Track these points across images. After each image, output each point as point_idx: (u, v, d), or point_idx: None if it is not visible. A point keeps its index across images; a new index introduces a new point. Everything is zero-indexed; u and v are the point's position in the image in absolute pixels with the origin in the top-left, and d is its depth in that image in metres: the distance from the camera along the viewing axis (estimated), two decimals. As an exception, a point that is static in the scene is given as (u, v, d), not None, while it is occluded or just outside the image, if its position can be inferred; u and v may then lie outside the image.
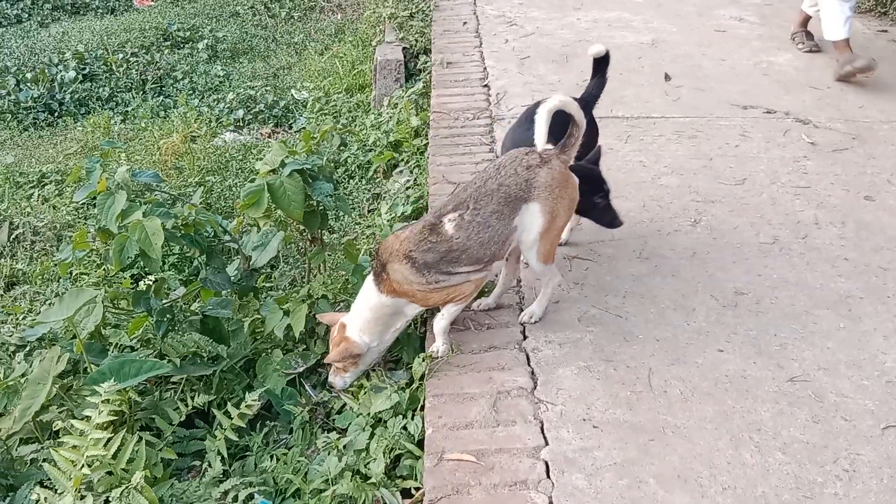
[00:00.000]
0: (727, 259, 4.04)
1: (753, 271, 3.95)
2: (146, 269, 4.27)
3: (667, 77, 6.27)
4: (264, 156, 3.76)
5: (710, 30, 7.42)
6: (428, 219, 3.30)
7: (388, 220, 4.80)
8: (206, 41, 9.78)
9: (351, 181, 5.87)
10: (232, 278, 3.67)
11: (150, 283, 3.84)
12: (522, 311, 3.63)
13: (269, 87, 8.51)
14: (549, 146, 3.38)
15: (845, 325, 3.58)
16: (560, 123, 3.33)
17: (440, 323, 3.37)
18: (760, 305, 3.70)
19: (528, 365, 3.34)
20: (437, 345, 3.40)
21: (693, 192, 4.68)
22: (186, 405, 3.30)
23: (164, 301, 3.54)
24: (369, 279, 3.32)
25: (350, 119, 7.12)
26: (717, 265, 4.00)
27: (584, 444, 2.94)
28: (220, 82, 8.88)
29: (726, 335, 3.51)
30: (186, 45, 9.78)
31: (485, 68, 6.48)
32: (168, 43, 9.81)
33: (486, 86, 6.16)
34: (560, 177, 3.31)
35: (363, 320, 3.33)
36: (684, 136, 5.36)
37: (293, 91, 8.35)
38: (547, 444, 2.94)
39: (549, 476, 2.81)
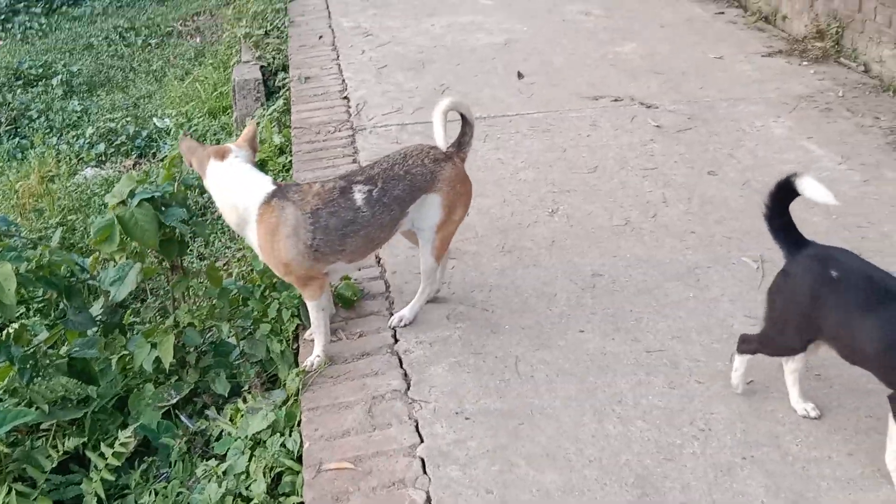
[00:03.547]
0: (584, 244, 4.23)
1: (608, 253, 4.15)
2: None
3: (519, 75, 6.48)
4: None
5: (559, 26, 7.70)
6: (337, 182, 3.32)
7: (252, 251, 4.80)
8: (60, 76, 9.46)
9: (218, 205, 5.83)
10: (98, 316, 3.61)
11: (11, 330, 3.73)
12: (392, 316, 3.71)
13: (129, 118, 8.31)
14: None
15: (694, 295, 3.81)
16: None
17: (316, 331, 3.43)
18: (616, 284, 3.90)
19: (401, 367, 3.43)
20: (311, 357, 3.44)
21: (549, 183, 4.87)
22: (58, 451, 3.22)
23: (26, 348, 3.44)
24: (263, 188, 3.24)
25: (214, 142, 7.05)
26: (574, 251, 4.18)
27: (457, 437, 3.04)
28: (79, 117, 8.61)
29: (586, 316, 3.69)
30: (40, 83, 9.45)
31: (343, 80, 6.55)
32: (20, 82, 9.46)
33: (345, 98, 6.22)
34: (461, 173, 3.48)
35: (225, 174, 3.27)
36: (539, 130, 5.56)
37: (155, 119, 8.19)
38: (422, 441, 3.03)
39: (425, 472, 2.90)
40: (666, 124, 5.59)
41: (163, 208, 3.36)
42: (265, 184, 3.27)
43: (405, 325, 3.65)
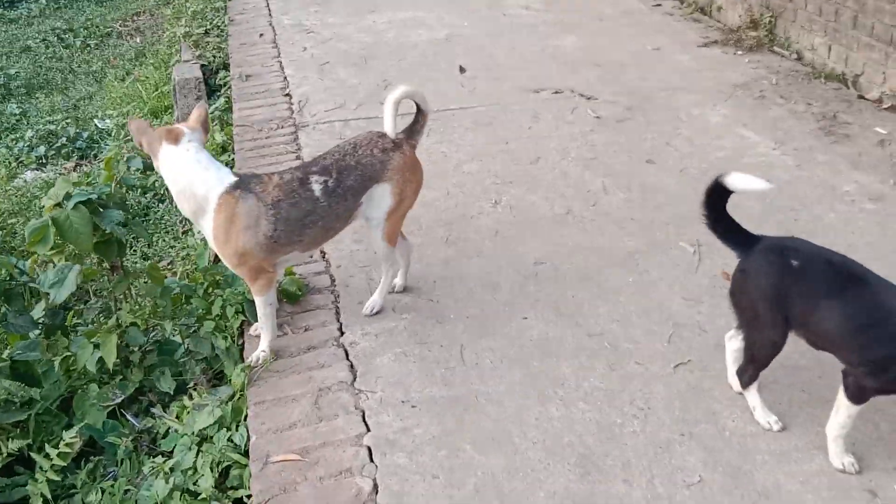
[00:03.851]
0: (526, 233, 4.30)
1: (550, 242, 4.22)
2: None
3: (461, 70, 6.53)
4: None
5: (499, 21, 7.77)
6: (294, 173, 3.34)
7: (202, 240, 4.77)
8: (-3, 80, 9.29)
9: (161, 205, 5.78)
10: (40, 319, 3.56)
11: (-51, 336, 3.67)
12: (338, 309, 3.73)
13: (70, 120, 8.18)
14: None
15: (634, 279, 3.90)
16: None
17: (263, 326, 3.44)
18: (558, 272, 3.97)
19: (347, 359, 3.45)
20: (256, 353, 3.45)
21: (493, 175, 4.93)
22: (1, 453, 3.18)
23: (-36, 353, 3.40)
24: (224, 178, 3.22)
25: (157, 143, 6.97)
26: (517, 241, 4.24)
27: (403, 425, 3.08)
28: (17, 120, 8.45)
29: (530, 303, 3.75)
30: (-24, 87, 9.26)
31: (285, 77, 6.53)
32: (-45, 87, 9.25)
33: (287, 94, 6.21)
34: (410, 161, 3.50)
35: (180, 159, 3.21)
36: (482, 123, 5.62)
37: (96, 121, 8.07)
38: (369, 430, 3.06)
39: (372, 460, 2.93)
40: (606, 115, 5.69)
41: (101, 210, 3.32)
42: (225, 174, 3.25)
43: (377, 312, 3.70)
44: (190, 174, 3.20)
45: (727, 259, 3.92)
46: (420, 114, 3.55)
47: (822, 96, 5.83)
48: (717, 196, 2.95)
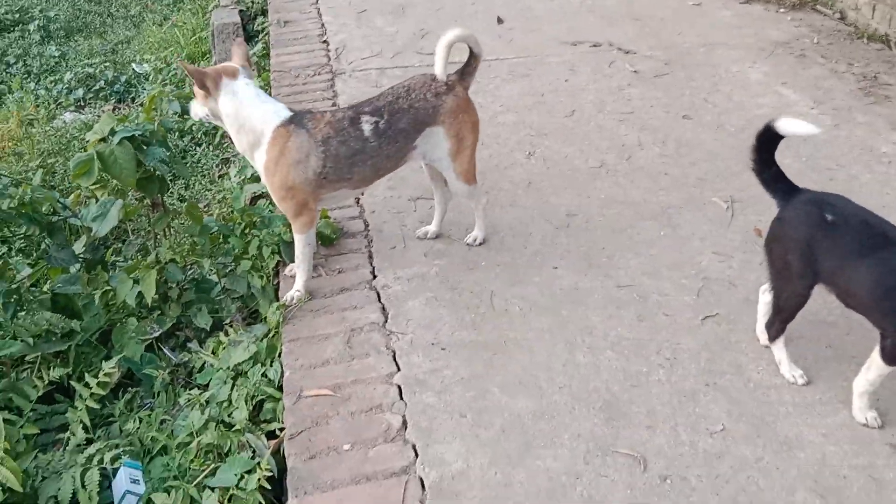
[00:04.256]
0: (559, 185, 4.31)
1: (584, 194, 4.23)
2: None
3: (499, 20, 6.49)
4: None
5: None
6: (346, 112, 3.41)
7: (238, 184, 4.83)
8: (37, 22, 9.37)
9: (198, 148, 5.86)
10: (80, 253, 3.66)
11: (-6, 267, 3.78)
12: (371, 253, 3.79)
13: (108, 64, 8.26)
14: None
15: (666, 233, 3.91)
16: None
17: (300, 266, 3.51)
18: (590, 224, 3.99)
19: (379, 301, 3.51)
20: (291, 292, 3.52)
21: (528, 127, 4.93)
22: (43, 381, 3.30)
23: (9, 284, 3.50)
24: (280, 112, 3.32)
25: (191, 86, 7.02)
26: (550, 191, 4.26)
27: (433, 366, 3.14)
28: (56, 63, 8.55)
29: (560, 254, 3.78)
30: (16, 28, 9.35)
31: (322, 24, 6.54)
32: (-4, 27, 9.36)
33: (324, 42, 6.22)
34: (463, 103, 3.55)
35: (240, 98, 3.30)
36: (518, 75, 5.60)
37: (134, 65, 8.14)
38: (399, 370, 3.13)
39: (402, 398, 3.00)
40: (643, 69, 5.64)
41: (143, 147, 3.39)
42: (281, 109, 3.35)
43: (479, 244, 3.83)
44: (250, 107, 3.29)
45: (761, 216, 3.94)
46: (472, 57, 3.57)
47: (863, 57, 5.74)
48: (767, 141, 2.94)
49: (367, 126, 3.36)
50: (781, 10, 6.63)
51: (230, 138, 3.48)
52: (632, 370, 3.11)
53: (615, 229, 3.94)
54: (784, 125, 2.87)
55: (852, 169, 4.37)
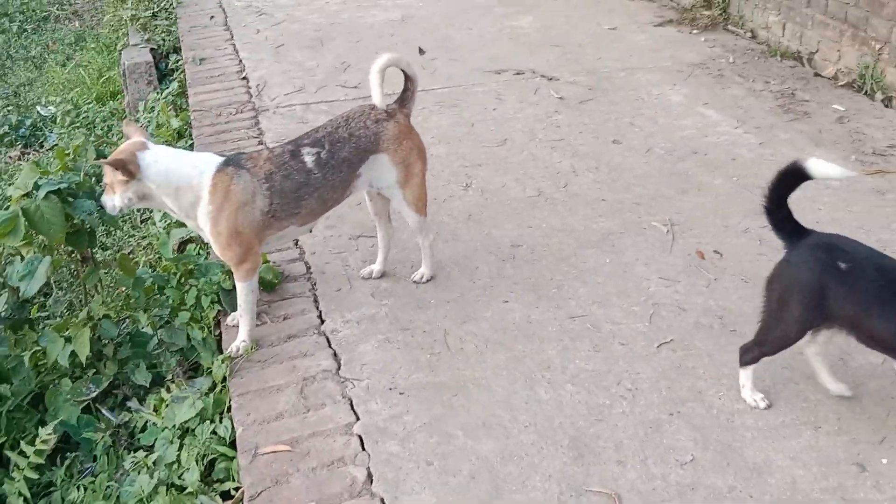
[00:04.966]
0: (499, 216, 4.28)
1: (524, 224, 4.21)
2: None
3: (420, 51, 6.47)
4: (15, 180, 3.53)
5: (454, 1, 7.71)
6: (285, 146, 3.33)
7: (163, 228, 4.65)
8: (-70, 64, 8.92)
9: (118, 194, 5.62)
10: (3, 312, 3.44)
11: None
12: (316, 297, 3.68)
13: (11, 107, 7.91)
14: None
15: (610, 260, 3.91)
16: None
17: (243, 315, 3.37)
18: (535, 254, 3.97)
19: (330, 347, 3.40)
20: (236, 343, 3.38)
21: (461, 157, 4.90)
22: (-25, 452, 3.07)
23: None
24: (213, 160, 3.20)
25: (106, 129, 6.78)
26: (491, 223, 4.23)
27: (393, 412, 3.04)
28: (-45, 108, 8.14)
29: (509, 286, 3.74)
30: None
31: (240, 60, 6.40)
32: None
33: (244, 78, 6.09)
34: (405, 129, 3.50)
35: (165, 163, 3.14)
36: (445, 105, 5.58)
37: (38, 108, 7.81)
38: (358, 418, 3.02)
39: (364, 448, 2.89)
40: (568, 95, 5.69)
41: (69, 200, 3.21)
42: (210, 156, 3.25)
43: (426, 281, 3.77)
44: (178, 166, 3.15)
45: (700, 238, 4.01)
46: (408, 80, 3.53)
47: (778, 74, 5.93)
48: (788, 182, 2.84)
49: (308, 158, 3.28)
50: (694, 31, 6.81)
51: (166, 210, 3.33)
52: (594, 403, 3.08)
53: (560, 258, 3.93)
54: (815, 168, 2.75)
55: (781, 187, 4.47)
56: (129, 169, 3.08)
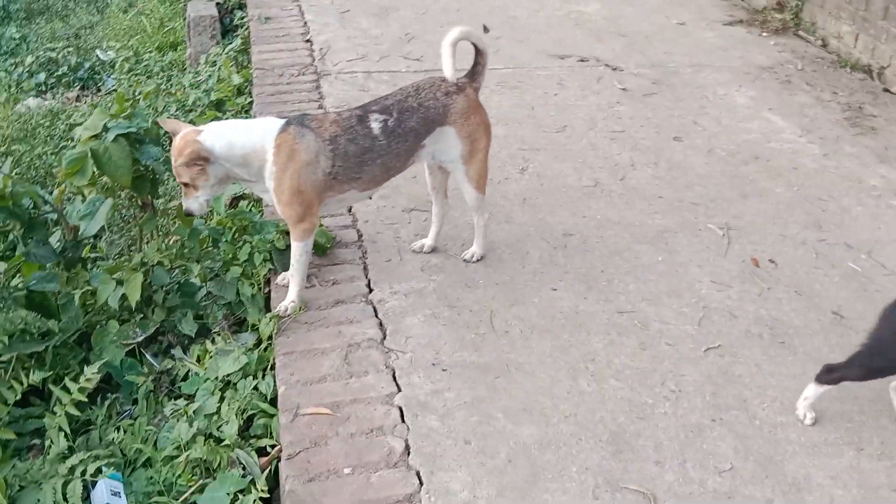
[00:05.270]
0: (554, 203, 4.25)
1: (579, 213, 4.17)
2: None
3: (485, 29, 6.41)
4: (83, 120, 3.56)
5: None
6: (353, 111, 3.33)
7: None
8: (-4, 1, 9.03)
9: (174, 143, 5.66)
10: (56, 250, 3.48)
11: (-37, 261, 3.57)
12: (366, 265, 3.68)
13: (71, 49, 7.98)
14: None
15: (664, 258, 3.87)
16: None
17: (294, 275, 3.38)
18: (587, 244, 3.93)
19: (376, 316, 3.40)
20: (286, 302, 3.39)
21: (519, 140, 4.86)
22: (21, 384, 3.12)
23: (-19, 278, 3.31)
24: (274, 122, 3.21)
25: (165, 79, 6.82)
26: (546, 209, 4.19)
27: (435, 388, 3.04)
28: (17, 45, 8.23)
29: (559, 274, 3.71)
30: (-26, 8, 8.99)
31: (305, 23, 6.39)
32: (-48, 6, 8.98)
33: (308, 41, 6.08)
34: (474, 104, 3.48)
35: (226, 135, 3.14)
36: (507, 86, 5.53)
37: (98, 52, 7.87)
38: (400, 390, 3.03)
39: (403, 420, 2.89)
40: (632, 87, 5.62)
41: (137, 145, 3.23)
42: (270, 119, 3.27)
43: (476, 260, 3.76)
44: (240, 134, 3.16)
45: (756, 245, 3.93)
46: (479, 54, 3.50)
47: (847, 86, 5.80)
48: None
49: (375, 124, 3.28)
50: (764, 33, 6.68)
51: (242, 183, 3.35)
52: (637, 401, 3.05)
53: (613, 251, 3.89)
54: None
55: (843, 201, 4.39)
56: (202, 155, 3.08)
